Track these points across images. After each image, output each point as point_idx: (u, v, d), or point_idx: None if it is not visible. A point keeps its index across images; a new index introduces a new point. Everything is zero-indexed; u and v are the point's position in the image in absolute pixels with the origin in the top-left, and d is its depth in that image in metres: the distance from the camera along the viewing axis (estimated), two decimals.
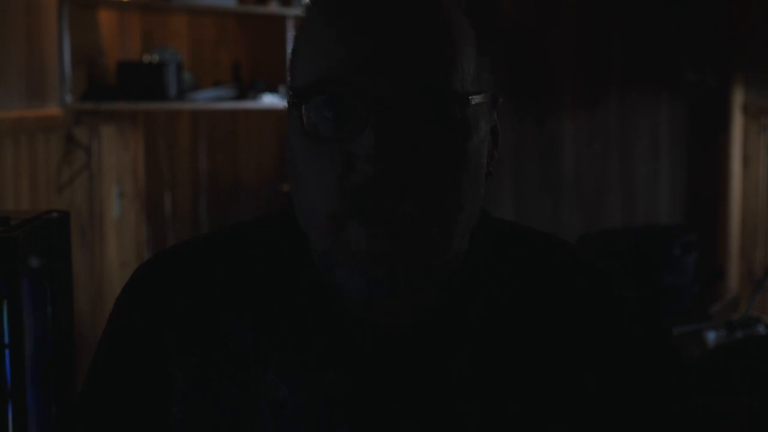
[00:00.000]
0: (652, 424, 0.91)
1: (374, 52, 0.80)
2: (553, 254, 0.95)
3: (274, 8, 4.04)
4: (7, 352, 1.46)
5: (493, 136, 0.89)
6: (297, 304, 0.89)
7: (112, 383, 0.92)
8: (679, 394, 0.92)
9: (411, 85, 0.80)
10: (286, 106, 0.87)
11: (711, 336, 3.57)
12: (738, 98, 4.85)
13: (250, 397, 0.87)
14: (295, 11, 4.07)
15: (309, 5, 0.87)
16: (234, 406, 0.88)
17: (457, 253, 0.87)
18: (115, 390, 0.91)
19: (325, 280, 0.87)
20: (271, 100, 4.00)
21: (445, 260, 0.85)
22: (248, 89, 3.98)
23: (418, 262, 0.82)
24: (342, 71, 0.80)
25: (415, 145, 0.80)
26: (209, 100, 3.85)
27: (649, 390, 0.91)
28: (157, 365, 0.90)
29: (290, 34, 4.07)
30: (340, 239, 0.81)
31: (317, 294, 0.88)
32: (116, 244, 3.81)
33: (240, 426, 0.87)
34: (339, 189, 0.80)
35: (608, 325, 0.91)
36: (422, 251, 0.82)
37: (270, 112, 4.23)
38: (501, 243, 0.93)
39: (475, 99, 0.82)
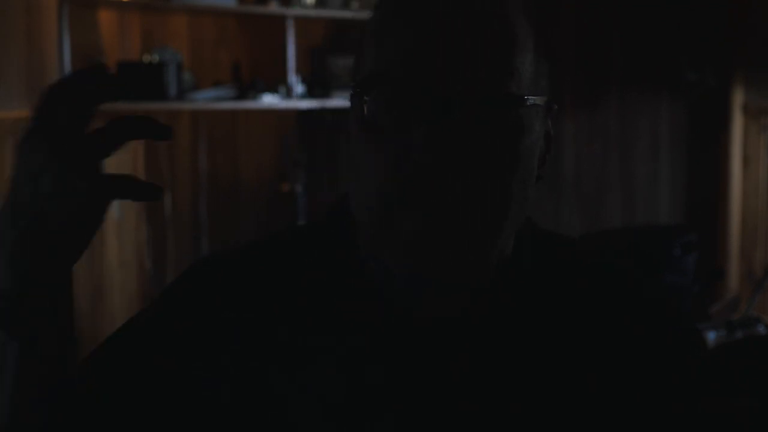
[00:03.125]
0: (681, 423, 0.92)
1: (437, 50, 0.82)
2: (556, 254, 0.96)
3: (274, 8, 4.04)
4: None
5: (546, 141, 0.92)
6: (337, 301, 0.91)
7: (136, 347, 0.92)
8: (705, 398, 0.94)
9: (469, 83, 0.82)
10: (349, 97, 0.89)
11: (711, 336, 3.57)
12: (738, 98, 4.85)
13: (292, 389, 0.89)
14: (295, 11, 4.08)
15: (378, 2, 0.90)
16: (278, 399, 0.89)
17: (503, 252, 0.89)
18: (132, 355, 0.91)
19: (372, 268, 0.90)
20: (271, 100, 4.00)
21: (490, 256, 0.86)
22: (248, 89, 3.98)
23: (464, 254, 0.84)
24: (405, 66, 0.83)
25: (468, 140, 0.82)
26: (209, 100, 3.85)
27: (680, 395, 0.92)
28: (193, 350, 0.91)
29: (290, 34, 4.07)
30: (391, 225, 0.84)
31: (353, 291, 0.91)
32: (116, 244, 3.81)
33: (285, 420, 0.89)
34: (393, 176, 0.83)
35: (631, 325, 0.92)
36: (468, 244, 0.84)
37: (270, 112, 4.23)
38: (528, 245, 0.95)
39: (529, 102, 0.84)
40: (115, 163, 3.78)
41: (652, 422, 0.91)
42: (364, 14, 4.01)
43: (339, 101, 4.11)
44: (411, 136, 0.82)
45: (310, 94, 4.16)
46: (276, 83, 4.05)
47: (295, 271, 0.94)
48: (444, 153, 0.81)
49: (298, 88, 4.13)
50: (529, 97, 0.84)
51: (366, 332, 0.89)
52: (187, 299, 0.94)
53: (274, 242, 0.98)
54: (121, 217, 3.84)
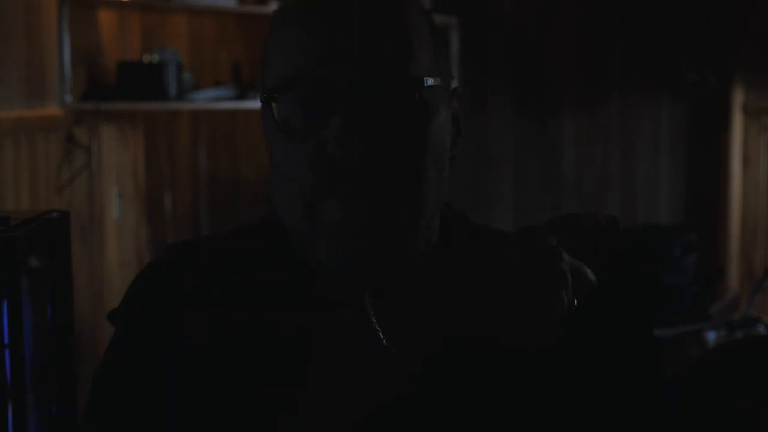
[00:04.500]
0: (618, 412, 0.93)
1: (337, 47, 0.88)
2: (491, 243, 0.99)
3: (274, 8, 4.04)
4: (7, 352, 1.46)
5: (455, 123, 0.97)
6: (278, 287, 0.95)
7: (126, 358, 0.96)
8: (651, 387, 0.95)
9: (372, 73, 0.88)
10: (261, 107, 0.95)
11: (711, 336, 3.57)
12: (738, 98, 4.85)
13: (245, 377, 0.90)
14: None
15: (276, 12, 0.96)
16: (240, 386, 0.90)
17: (427, 236, 0.93)
18: (130, 363, 0.95)
19: (307, 261, 0.94)
20: None
21: (414, 238, 0.91)
22: (248, 89, 3.98)
23: (389, 235, 0.89)
24: (309, 66, 0.88)
25: (378, 126, 0.87)
26: (209, 100, 3.85)
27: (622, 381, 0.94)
28: (164, 337, 0.94)
29: None
30: (317, 217, 0.89)
31: (294, 277, 0.95)
32: (116, 244, 3.81)
33: (245, 408, 0.89)
34: (312, 172, 0.88)
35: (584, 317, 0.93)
36: (391, 224, 0.89)
37: None
38: (469, 237, 1.00)
39: (429, 82, 0.89)
40: (116, 164, 3.79)
41: (590, 400, 0.92)
42: None
43: None
44: (324, 132, 0.87)
45: None
46: None
47: (250, 262, 0.97)
48: (358, 141, 0.86)
49: None
50: (429, 78, 0.89)
51: (310, 320, 0.91)
52: (144, 297, 0.97)
53: (234, 234, 1.02)
54: (121, 218, 3.84)
